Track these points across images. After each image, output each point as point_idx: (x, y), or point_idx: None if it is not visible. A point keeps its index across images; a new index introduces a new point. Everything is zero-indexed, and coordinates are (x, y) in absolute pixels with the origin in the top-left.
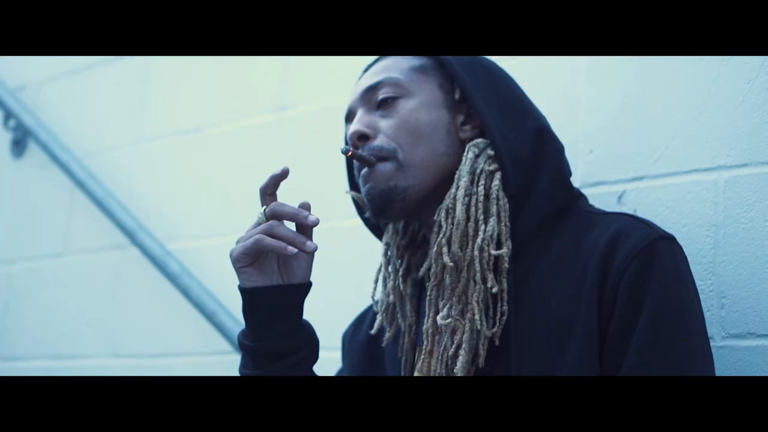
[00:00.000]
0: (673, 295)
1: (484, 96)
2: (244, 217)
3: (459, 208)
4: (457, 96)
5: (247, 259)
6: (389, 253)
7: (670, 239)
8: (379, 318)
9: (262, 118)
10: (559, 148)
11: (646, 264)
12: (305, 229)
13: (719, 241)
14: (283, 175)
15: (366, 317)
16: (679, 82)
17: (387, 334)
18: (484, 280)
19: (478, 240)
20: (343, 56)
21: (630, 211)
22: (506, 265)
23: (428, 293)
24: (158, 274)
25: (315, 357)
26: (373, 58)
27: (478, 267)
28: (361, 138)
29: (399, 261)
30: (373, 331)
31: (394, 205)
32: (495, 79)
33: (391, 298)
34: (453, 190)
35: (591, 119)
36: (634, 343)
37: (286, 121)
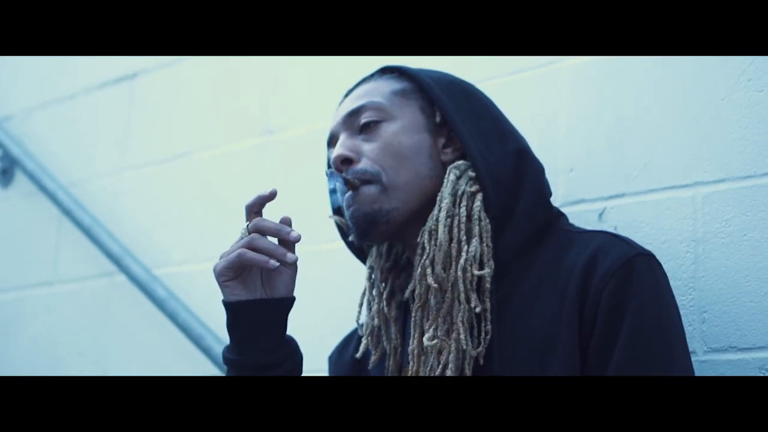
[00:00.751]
0: (653, 311)
1: (465, 119)
2: (230, 241)
3: (441, 229)
4: (437, 119)
5: (230, 273)
6: (373, 276)
7: (648, 256)
8: (364, 341)
9: (248, 142)
10: (539, 169)
11: (624, 281)
12: (287, 244)
13: (699, 256)
14: (271, 196)
15: (351, 340)
16: (656, 100)
17: (373, 357)
18: (468, 300)
19: (461, 261)
20: (325, 56)
21: (611, 229)
22: (488, 285)
23: (413, 315)
24: (145, 300)
25: (299, 371)
26: (354, 82)
27: (461, 287)
28: (345, 161)
29: (383, 284)
30: (358, 355)
31: (379, 227)
32: (474, 102)
33: (376, 321)
34: (435, 211)
35: (570, 138)
36: (614, 360)
37: (271, 145)
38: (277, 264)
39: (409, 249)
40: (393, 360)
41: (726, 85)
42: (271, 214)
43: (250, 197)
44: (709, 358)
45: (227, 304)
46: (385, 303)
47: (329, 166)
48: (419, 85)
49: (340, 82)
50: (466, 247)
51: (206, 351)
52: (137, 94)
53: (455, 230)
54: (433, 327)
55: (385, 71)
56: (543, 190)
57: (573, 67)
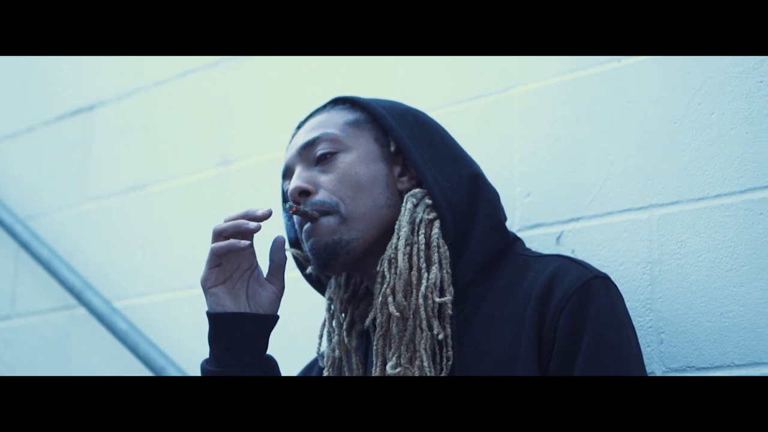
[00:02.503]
0: (610, 333)
1: (418, 147)
2: (190, 272)
3: (401, 257)
4: (392, 149)
5: (213, 275)
6: (332, 307)
7: (604, 278)
8: (326, 372)
9: (206, 173)
10: (493, 194)
11: (581, 303)
12: (247, 234)
13: (655, 277)
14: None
15: (311, 370)
16: (611, 124)
17: None
18: (430, 327)
19: (422, 288)
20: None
21: (568, 252)
22: (450, 311)
23: (374, 343)
24: (106, 333)
25: None
26: (307, 113)
27: (423, 315)
28: (302, 194)
29: (343, 315)
30: None
31: (339, 258)
32: (427, 130)
33: (337, 352)
34: (394, 240)
35: (526, 163)
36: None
37: (228, 176)
38: (247, 242)
39: (369, 278)
40: None
41: (678, 110)
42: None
43: (208, 231)
44: None
45: (211, 315)
46: (345, 333)
47: (285, 200)
48: (372, 115)
49: (297, 111)
50: (426, 275)
51: None
52: (95, 127)
53: (415, 258)
54: (396, 355)
55: (337, 102)
56: (498, 215)
57: (527, 93)
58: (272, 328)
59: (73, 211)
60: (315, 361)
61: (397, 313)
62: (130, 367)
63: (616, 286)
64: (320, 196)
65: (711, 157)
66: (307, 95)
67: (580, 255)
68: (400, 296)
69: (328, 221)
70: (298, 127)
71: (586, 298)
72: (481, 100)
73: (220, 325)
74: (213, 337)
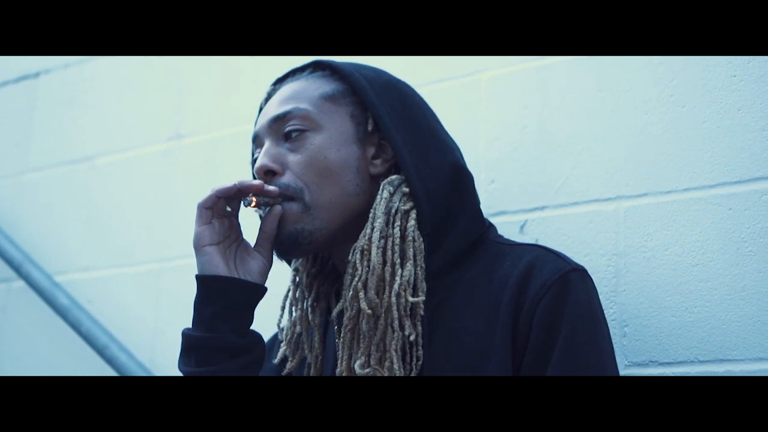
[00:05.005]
0: (586, 327)
1: (399, 127)
2: (136, 248)
3: (375, 251)
4: (370, 127)
5: (207, 233)
6: (298, 278)
7: (581, 271)
8: (283, 347)
9: (156, 146)
10: (472, 181)
11: (559, 296)
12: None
13: (620, 270)
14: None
15: (273, 346)
16: (580, 113)
17: (289, 364)
18: (402, 327)
19: (395, 285)
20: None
21: (531, 241)
22: (421, 312)
23: (341, 335)
24: (46, 308)
25: (260, 365)
26: (277, 76)
27: (395, 314)
28: (268, 173)
29: (308, 289)
30: (276, 360)
31: (301, 247)
32: (410, 107)
33: (298, 328)
34: (368, 230)
35: (492, 149)
36: (548, 374)
37: (180, 150)
38: (234, 184)
39: (336, 259)
40: (314, 369)
41: (650, 100)
42: (178, 219)
43: (157, 208)
44: (630, 372)
45: (202, 278)
46: (309, 310)
47: (254, 169)
48: (352, 87)
49: (254, 86)
50: (400, 271)
51: (110, 361)
52: (40, 94)
53: (389, 252)
54: (365, 354)
55: (317, 67)
56: (478, 205)
57: (495, 77)
58: (260, 300)
59: (14, 180)
60: (275, 337)
61: (369, 311)
62: (71, 344)
63: (591, 279)
64: (286, 178)
65: (681, 150)
66: (264, 70)
67: (545, 245)
68: (372, 293)
69: (291, 209)
70: (273, 86)
71: (563, 291)
72: (448, 83)
73: (210, 288)
74: (202, 301)
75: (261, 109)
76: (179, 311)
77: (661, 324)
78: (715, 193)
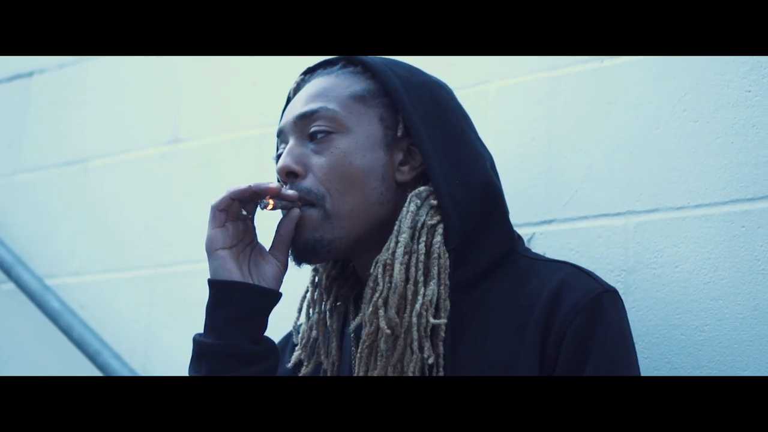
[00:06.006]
0: (617, 351)
1: (431, 133)
2: (130, 252)
3: (398, 267)
4: (399, 133)
5: (220, 236)
6: (317, 279)
7: (613, 293)
8: (297, 351)
9: (153, 150)
10: (502, 194)
11: (591, 318)
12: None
13: (629, 286)
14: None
15: (286, 346)
16: (589, 126)
17: (304, 369)
18: (421, 349)
19: (417, 305)
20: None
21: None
22: (443, 333)
23: (359, 349)
24: (37, 312)
25: (276, 371)
26: (307, 67)
27: (415, 335)
28: (290, 174)
29: (327, 292)
30: (289, 365)
31: (319, 256)
32: (444, 111)
33: (315, 333)
34: (392, 244)
35: (499, 161)
36: None
37: (178, 154)
38: (248, 186)
39: (358, 264)
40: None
41: (662, 115)
42: (178, 225)
43: (158, 211)
44: None
45: (215, 282)
46: (328, 315)
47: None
48: (384, 88)
49: (254, 91)
50: (423, 290)
51: (102, 367)
52: (33, 94)
53: (412, 269)
54: (382, 374)
55: (349, 62)
56: (507, 217)
57: (503, 88)
58: (274, 306)
59: (5, 181)
60: (287, 338)
61: (388, 330)
62: (62, 349)
63: (622, 300)
64: (308, 182)
65: (693, 165)
66: (264, 76)
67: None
68: (392, 312)
69: (311, 215)
70: (303, 75)
71: (595, 314)
72: (455, 93)
73: (223, 293)
74: (214, 306)
75: (288, 99)
76: (174, 319)
77: (670, 342)
78: (727, 210)
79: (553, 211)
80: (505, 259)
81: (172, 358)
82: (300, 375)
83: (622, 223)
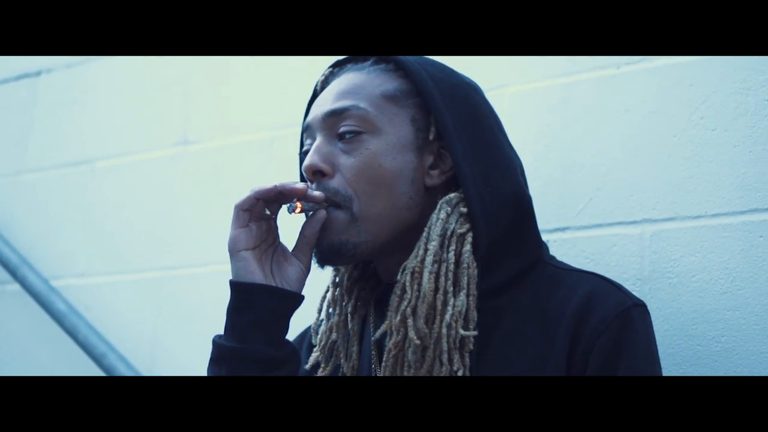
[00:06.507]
0: (644, 365)
1: (463, 137)
2: (137, 254)
3: (427, 276)
4: (431, 136)
5: (243, 237)
6: (338, 279)
7: (642, 306)
8: (316, 353)
9: (161, 151)
10: (531, 202)
11: (620, 332)
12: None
13: (645, 295)
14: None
15: (303, 341)
16: (605, 132)
17: (321, 371)
18: (451, 361)
19: (447, 316)
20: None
21: None
22: (472, 346)
23: (384, 358)
24: (42, 313)
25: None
26: (340, 57)
27: (445, 347)
28: (317, 173)
29: (348, 294)
30: (307, 367)
31: (344, 259)
32: (477, 115)
33: (335, 335)
34: (421, 251)
35: None
36: None
37: (186, 157)
38: (272, 186)
39: (380, 266)
40: None
41: (679, 123)
42: (186, 227)
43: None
44: None
45: (238, 284)
46: (350, 318)
47: (301, 160)
48: (416, 87)
49: (261, 96)
50: (452, 301)
51: (108, 371)
52: (40, 93)
53: (442, 279)
54: None
55: (381, 59)
56: (536, 227)
57: (518, 93)
58: (296, 309)
59: (10, 180)
60: (306, 332)
61: (417, 341)
62: (66, 350)
63: (650, 314)
64: (335, 182)
65: (711, 174)
66: (274, 79)
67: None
68: (421, 322)
69: (337, 217)
70: (332, 68)
71: (624, 327)
72: None
73: (246, 296)
74: (236, 309)
75: (315, 93)
76: (180, 322)
77: (686, 353)
78: (745, 219)
79: (567, 218)
80: (531, 267)
81: (178, 361)
82: (318, 374)
83: (638, 232)
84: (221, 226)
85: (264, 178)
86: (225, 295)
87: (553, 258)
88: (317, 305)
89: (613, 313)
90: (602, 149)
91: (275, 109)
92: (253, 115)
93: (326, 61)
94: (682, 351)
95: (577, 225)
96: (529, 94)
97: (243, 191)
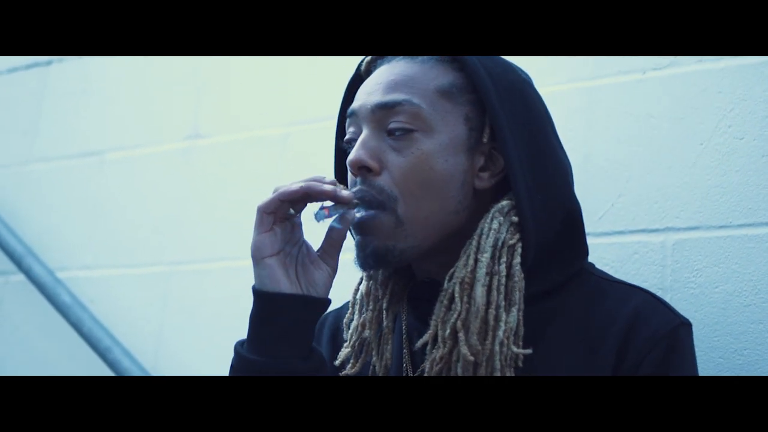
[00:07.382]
0: None
1: (518, 140)
2: (144, 248)
3: (479, 290)
4: (485, 138)
5: (268, 242)
6: (372, 271)
7: (688, 325)
8: (346, 349)
9: (172, 145)
10: (580, 212)
11: (669, 351)
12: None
13: None
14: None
15: (321, 333)
16: (629, 138)
17: (350, 368)
18: None
19: (500, 332)
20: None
21: None
22: (520, 364)
23: (426, 369)
24: (46, 304)
25: None
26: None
27: (498, 365)
28: (362, 169)
29: (382, 288)
30: (337, 362)
31: (388, 264)
32: (532, 116)
33: (367, 332)
34: (471, 261)
35: None
36: None
37: (197, 151)
38: (300, 184)
39: (416, 264)
40: None
41: (706, 130)
42: (195, 222)
43: (174, 206)
44: None
45: (263, 294)
46: (385, 314)
47: (345, 152)
48: (471, 82)
49: (277, 89)
50: (504, 316)
51: (113, 365)
52: (51, 83)
53: (494, 293)
54: None
55: None
56: (584, 237)
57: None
58: (323, 314)
59: (18, 170)
60: (324, 318)
61: (471, 357)
62: (70, 343)
63: (693, 332)
64: (382, 180)
65: (737, 184)
66: (288, 75)
67: None
68: (474, 338)
69: (382, 221)
70: (381, 59)
71: (672, 347)
72: None
73: (272, 307)
74: (261, 320)
75: (358, 73)
76: (186, 318)
77: (708, 365)
78: None
79: (588, 224)
80: (576, 275)
81: (183, 358)
82: (344, 374)
83: (661, 240)
84: (229, 223)
85: (275, 175)
86: (232, 292)
87: (593, 266)
88: (349, 298)
89: (662, 332)
90: (626, 155)
91: (288, 105)
92: (266, 111)
93: (340, 60)
94: (704, 363)
95: (598, 231)
96: (552, 97)
97: (252, 188)
